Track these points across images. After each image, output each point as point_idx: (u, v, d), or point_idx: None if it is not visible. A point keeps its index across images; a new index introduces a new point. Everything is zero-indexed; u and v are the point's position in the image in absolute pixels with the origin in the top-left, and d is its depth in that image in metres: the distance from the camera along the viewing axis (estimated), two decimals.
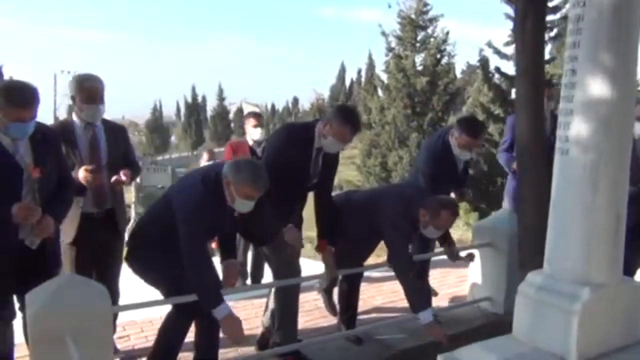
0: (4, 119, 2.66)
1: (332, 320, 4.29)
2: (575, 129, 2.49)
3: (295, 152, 3.47)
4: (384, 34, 18.87)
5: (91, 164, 3.31)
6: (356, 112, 3.77)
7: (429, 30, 18.99)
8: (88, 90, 3.34)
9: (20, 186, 2.78)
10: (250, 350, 3.80)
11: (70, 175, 3.17)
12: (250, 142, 5.07)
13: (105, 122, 3.57)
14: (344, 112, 3.48)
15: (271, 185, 2.99)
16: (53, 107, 41.52)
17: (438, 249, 5.33)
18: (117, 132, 3.63)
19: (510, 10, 15.69)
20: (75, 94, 3.37)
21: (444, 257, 4.43)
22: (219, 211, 3.01)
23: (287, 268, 3.59)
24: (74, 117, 3.43)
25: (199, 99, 69.29)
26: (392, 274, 5.30)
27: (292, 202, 3.66)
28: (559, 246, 2.56)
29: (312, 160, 3.57)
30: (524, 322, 2.63)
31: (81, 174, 3.25)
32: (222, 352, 3.65)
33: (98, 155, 3.44)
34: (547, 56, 15.35)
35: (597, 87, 2.43)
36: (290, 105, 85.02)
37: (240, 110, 63.49)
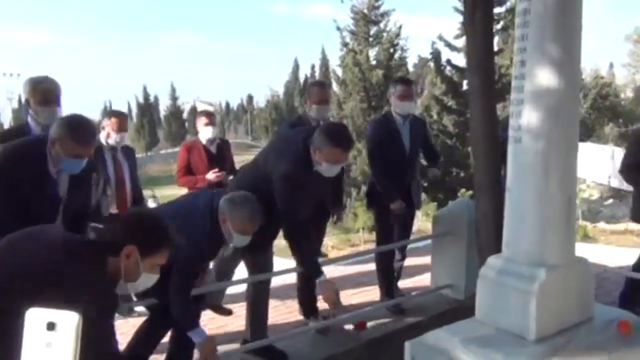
0: (60, 151, 2.61)
1: (299, 315, 4.34)
2: (526, 117, 2.61)
3: (302, 188, 3.33)
4: (338, 28, 19.04)
5: None
6: (342, 129, 3.53)
7: (382, 25, 19.24)
8: (43, 93, 3.24)
9: (56, 218, 2.77)
10: (222, 347, 3.81)
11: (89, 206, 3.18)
12: (203, 141, 5.00)
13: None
14: (331, 135, 3.25)
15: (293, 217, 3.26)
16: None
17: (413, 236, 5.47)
18: None
19: (458, 4, 16.04)
20: (30, 96, 3.26)
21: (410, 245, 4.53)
22: (216, 248, 3.02)
23: (260, 270, 3.66)
24: (30, 121, 3.34)
25: (151, 99, 68.03)
26: (356, 265, 5.44)
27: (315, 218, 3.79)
28: (515, 230, 2.68)
29: (320, 180, 3.46)
30: (486, 305, 2.74)
31: None
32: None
33: None
34: (495, 48, 15.78)
35: (545, 77, 2.55)
36: (245, 102, 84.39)
37: (194, 109, 62.57)
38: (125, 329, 3.65)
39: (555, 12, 2.54)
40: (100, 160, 4.16)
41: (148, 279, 2.00)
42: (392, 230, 4.61)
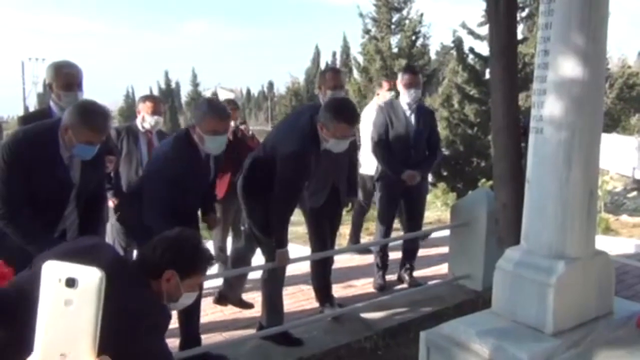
0: (72, 137, 2.65)
1: (315, 303, 4.36)
2: (548, 108, 2.56)
3: (309, 171, 3.41)
4: (361, 15, 18.82)
5: None
6: (347, 103, 3.54)
7: (404, 12, 18.98)
8: (66, 77, 3.26)
9: (67, 202, 2.82)
10: (237, 333, 3.85)
11: (105, 191, 3.33)
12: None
13: None
14: (335, 109, 3.28)
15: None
16: (22, 95, 40.58)
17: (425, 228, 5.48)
18: None
19: None
20: (53, 81, 3.28)
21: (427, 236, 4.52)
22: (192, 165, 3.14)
23: None
24: (52, 105, 3.37)
25: (173, 84, 68.39)
26: (366, 254, 5.43)
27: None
28: (535, 222, 2.64)
29: (331, 161, 3.65)
30: (503, 297, 2.71)
31: None
32: (209, 336, 3.71)
33: None
34: (519, 36, 15.47)
35: (569, 67, 2.49)
36: (265, 89, 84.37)
37: (215, 96, 62.77)
38: None
39: (580, 0, 2.48)
40: (134, 142, 4.27)
41: (188, 298, 2.08)
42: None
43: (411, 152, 4.62)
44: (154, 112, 4.34)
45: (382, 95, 5.49)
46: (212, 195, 3.74)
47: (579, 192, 2.55)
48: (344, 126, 3.28)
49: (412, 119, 4.63)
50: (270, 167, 3.38)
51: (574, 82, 2.50)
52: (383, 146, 4.62)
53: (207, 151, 3.19)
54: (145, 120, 4.32)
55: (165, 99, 64.64)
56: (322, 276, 4.27)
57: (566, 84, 2.51)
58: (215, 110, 3.13)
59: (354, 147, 4.49)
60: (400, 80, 4.66)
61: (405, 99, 4.63)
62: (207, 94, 69.05)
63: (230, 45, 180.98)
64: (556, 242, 2.55)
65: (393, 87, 5.31)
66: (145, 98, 4.52)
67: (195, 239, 2.12)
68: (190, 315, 3.25)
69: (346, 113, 3.31)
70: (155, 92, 67.47)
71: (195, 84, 65.37)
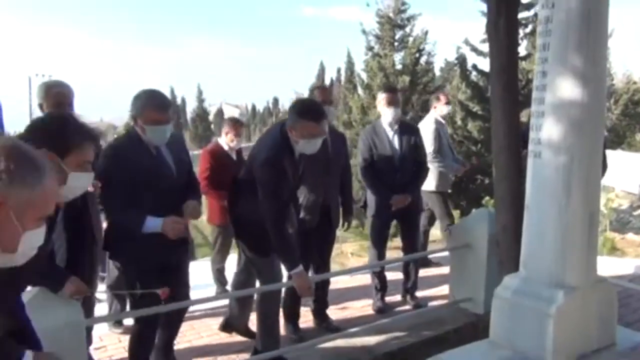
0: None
1: (311, 325, 4.27)
2: (547, 131, 2.50)
3: (286, 177, 3.34)
4: (364, 32, 18.85)
5: None
6: (311, 102, 3.56)
7: (407, 29, 19.02)
8: (56, 97, 3.24)
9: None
10: (231, 357, 3.77)
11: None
12: (226, 148, 4.97)
13: None
14: (299, 109, 3.30)
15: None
16: (29, 111, 40.86)
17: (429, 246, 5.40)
18: None
19: (485, 7, 15.76)
20: (43, 101, 3.27)
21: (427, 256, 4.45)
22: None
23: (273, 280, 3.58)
24: None
25: (178, 100, 68.88)
26: (361, 275, 5.34)
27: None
28: (534, 248, 2.57)
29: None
30: (501, 326, 2.63)
31: None
32: None
33: None
34: (523, 52, 15.46)
35: (568, 89, 2.44)
36: (270, 105, 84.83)
37: (220, 112, 63.16)
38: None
39: (579, 21, 2.43)
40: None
41: (79, 179, 2.05)
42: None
43: (397, 175, 4.58)
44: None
45: (439, 108, 5.59)
46: None
47: (579, 217, 2.48)
48: (310, 124, 3.23)
49: (396, 140, 4.61)
50: (253, 184, 3.34)
51: (572, 104, 2.44)
52: (370, 171, 4.62)
53: (152, 142, 3.06)
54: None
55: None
56: (319, 298, 4.21)
57: (565, 107, 2.45)
58: (155, 101, 3.04)
59: (347, 164, 4.45)
60: (380, 100, 4.66)
61: (387, 118, 4.61)
62: (213, 109, 69.53)
63: (235, 61, 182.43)
64: (556, 270, 2.48)
65: (450, 101, 5.36)
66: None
67: (62, 118, 2.10)
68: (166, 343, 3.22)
69: (311, 111, 3.28)
70: None
71: (201, 100, 65.83)
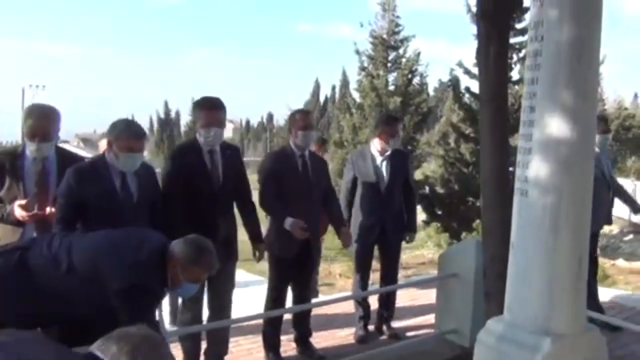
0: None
1: (294, 353, 4.15)
2: (534, 169, 2.39)
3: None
4: (358, 52, 18.85)
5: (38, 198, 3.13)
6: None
7: (401, 51, 19.02)
8: (28, 128, 3.18)
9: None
10: None
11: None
12: None
13: (61, 153, 3.38)
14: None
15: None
16: (21, 123, 40.60)
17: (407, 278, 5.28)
18: (70, 163, 3.24)
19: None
20: (22, 126, 3.23)
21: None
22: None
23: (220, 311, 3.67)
24: (26, 148, 3.24)
25: (172, 114, 68.84)
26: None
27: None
28: (519, 292, 2.44)
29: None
30: None
31: (17, 210, 3.05)
32: None
33: (45, 191, 3.22)
34: (516, 76, 15.47)
35: (556, 126, 2.33)
36: (265, 121, 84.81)
37: None
38: None
39: (569, 55, 2.33)
40: None
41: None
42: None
43: (381, 201, 4.55)
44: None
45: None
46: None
47: (566, 260, 2.36)
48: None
49: (384, 166, 4.57)
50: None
51: (561, 142, 2.33)
52: (348, 196, 4.64)
53: (122, 168, 3.14)
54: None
55: (163, 128, 65.06)
56: (299, 326, 4.22)
57: (553, 144, 2.35)
58: (131, 129, 3.18)
59: (332, 191, 4.37)
60: (381, 132, 4.62)
61: (379, 147, 4.59)
62: None
63: (230, 76, 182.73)
64: (542, 316, 2.35)
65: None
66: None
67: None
68: None
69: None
70: (155, 121, 67.82)
71: None
